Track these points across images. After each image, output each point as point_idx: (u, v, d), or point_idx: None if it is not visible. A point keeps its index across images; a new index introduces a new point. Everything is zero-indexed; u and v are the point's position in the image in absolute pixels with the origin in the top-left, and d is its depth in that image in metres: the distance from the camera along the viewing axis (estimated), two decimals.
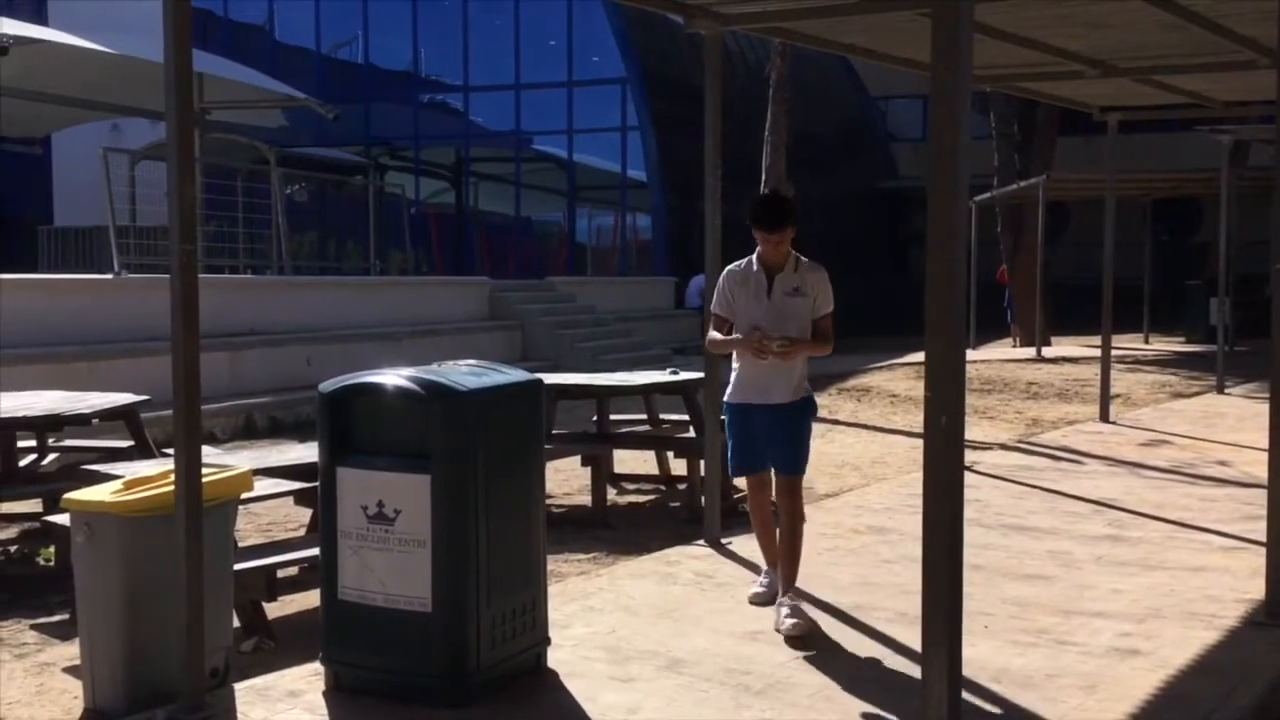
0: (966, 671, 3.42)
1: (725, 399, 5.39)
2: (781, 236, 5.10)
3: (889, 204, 32.51)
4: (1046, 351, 18.36)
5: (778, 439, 5.19)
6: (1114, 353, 12.64)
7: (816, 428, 11.93)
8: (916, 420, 12.41)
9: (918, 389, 14.52)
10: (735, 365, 5.30)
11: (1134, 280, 19.56)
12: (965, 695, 3.52)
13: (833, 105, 30.08)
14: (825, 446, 10.85)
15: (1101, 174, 13.31)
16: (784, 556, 5.25)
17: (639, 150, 24.94)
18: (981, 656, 4.56)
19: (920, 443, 9.26)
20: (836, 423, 12.52)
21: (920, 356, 16.10)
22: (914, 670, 4.45)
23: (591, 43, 24.68)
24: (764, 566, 5.58)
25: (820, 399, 14.19)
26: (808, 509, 7.84)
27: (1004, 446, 10.41)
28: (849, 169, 30.29)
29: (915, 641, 4.72)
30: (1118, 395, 13.24)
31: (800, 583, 5.87)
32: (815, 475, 9.33)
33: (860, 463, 9.95)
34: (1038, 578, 5.96)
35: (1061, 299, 20.88)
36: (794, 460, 5.22)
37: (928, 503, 2.73)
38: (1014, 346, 20.61)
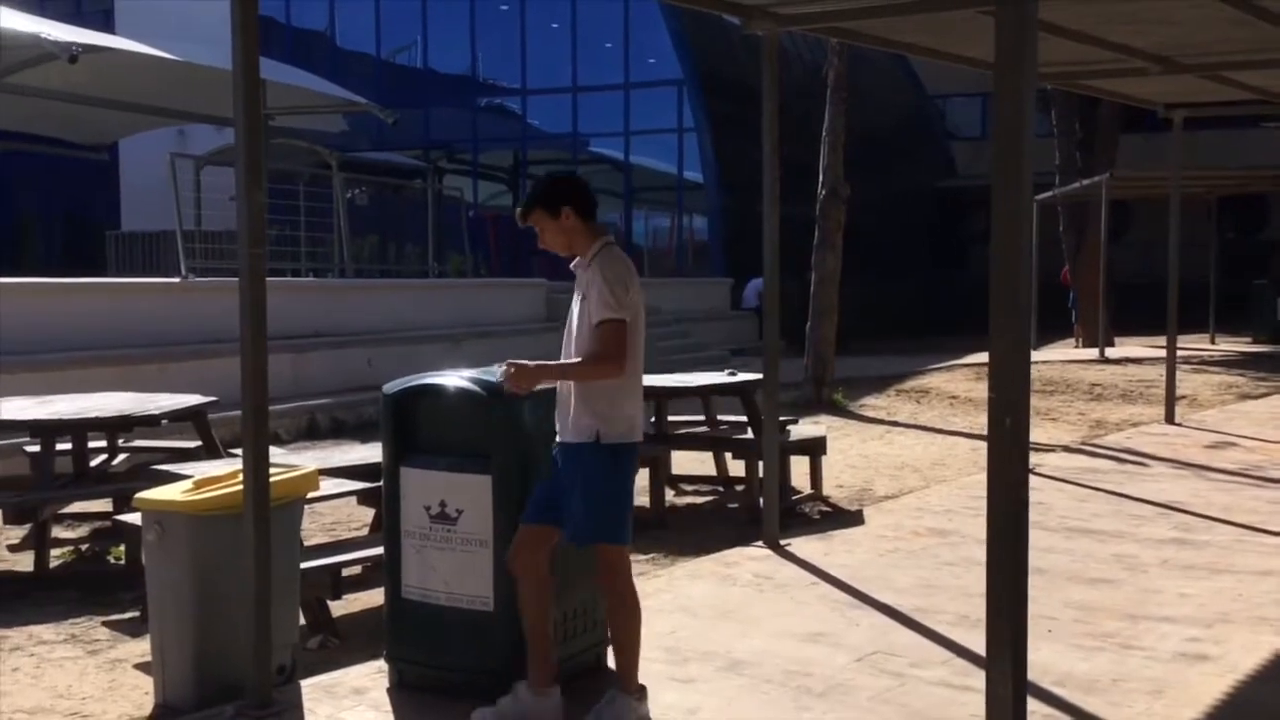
0: (1030, 675, 3.39)
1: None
2: (539, 227, 4.09)
3: (947, 203, 32.21)
4: (1110, 352, 18.08)
5: (569, 490, 3.96)
6: (1179, 353, 12.44)
7: (875, 429, 12.01)
8: (977, 422, 12.28)
9: (977, 390, 14.37)
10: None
11: (1199, 279, 19.21)
12: (1029, 700, 3.50)
13: (890, 104, 29.87)
14: (885, 449, 10.79)
15: (1166, 172, 13.09)
16: (614, 645, 4.15)
17: (695, 152, 24.93)
18: (1045, 660, 4.52)
19: (981, 444, 9.19)
20: (895, 424, 12.43)
21: (980, 358, 16.01)
22: (976, 674, 4.42)
23: (648, 44, 24.71)
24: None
25: (879, 400, 14.29)
26: (868, 510, 7.84)
27: (1067, 449, 10.28)
28: (907, 168, 30.05)
29: (977, 645, 4.68)
30: (1183, 396, 13.02)
31: (861, 584, 5.80)
32: (875, 476, 9.29)
33: (920, 464, 9.88)
34: (1102, 581, 5.89)
35: (1124, 299, 20.56)
36: (580, 523, 3.91)
37: (992, 506, 2.71)
38: (1076, 347, 20.33)
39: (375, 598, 4.53)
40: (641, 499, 8.06)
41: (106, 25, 21.83)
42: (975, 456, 9.92)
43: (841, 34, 7.37)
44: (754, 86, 7.19)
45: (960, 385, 15.01)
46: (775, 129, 6.50)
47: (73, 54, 12.82)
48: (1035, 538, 2.81)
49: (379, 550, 4.44)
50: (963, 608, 5.33)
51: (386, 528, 4.44)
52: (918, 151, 31.55)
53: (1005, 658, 2.69)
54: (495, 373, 4.08)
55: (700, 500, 8.65)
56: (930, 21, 6.79)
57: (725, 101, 24.11)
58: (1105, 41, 7.35)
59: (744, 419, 8.45)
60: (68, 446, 6.83)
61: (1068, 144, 20.42)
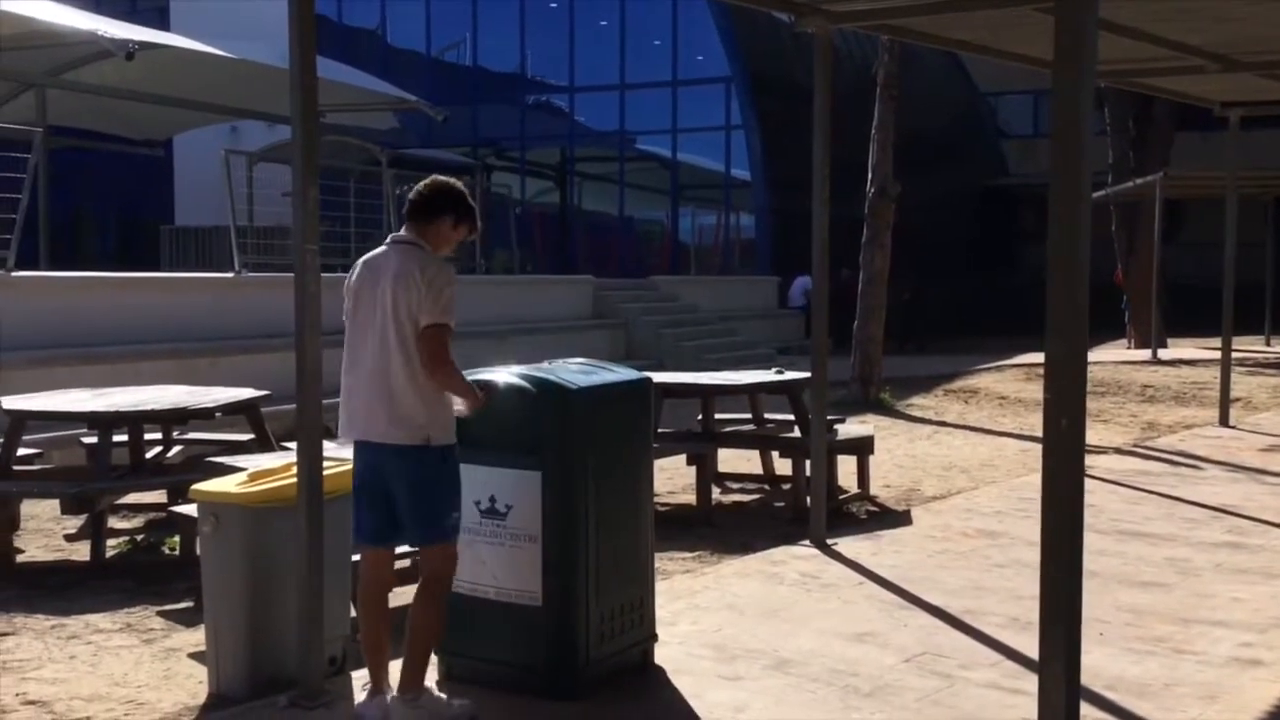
0: (1081, 679, 3.37)
1: (450, 439, 4.08)
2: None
3: (998, 202, 31.92)
4: (1163, 353, 17.85)
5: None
6: (1234, 355, 12.25)
7: (923, 429, 11.95)
8: (1026, 422, 12.17)
9: (1027, 390, 14.24)
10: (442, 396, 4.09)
11: (1254, 281, 18.89)
12: (1080, 703, 3.47)
13: (941, 102, 29.64)
14: (933, 449, 10.72)
15: (1221, 171, 12.89)
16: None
17: (743, 149, 24.88)
18: (1096, 664, 4.48)
19: (1031, 445, 9.13)
20: (943, 424, 12.35)
21: (1030, 358, 15.84)
22: (1026, 676, 4.39)
23: (696, 42, 24.70)
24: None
25: (927, 400, 14.21)
26: (916, 511, 7.79)
27: (1119, 450, 10.16)
28: (958, 167, 29.81)
29: (1027, 647, 4.66)
30: (1238, 399, 12.83)
31: (909, 585, 5.81)
32: (923, 476, 9.23)
33: (968, 465, 9.80)
34: (1154, 585, 5.82)
35: (1178, 300, 20.29)
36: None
37: (1046, 507, 2.69)
38: (1129, 348, 20.08)
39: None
40: (688, 496, 8.08)
41: (161, 23, 22.13)
42: (1025, 458, 9.83)
43: (894, 31, 7.33)
44: (802, 84, 7.17)
45: (1010, 386, 14.88)
46: (827, 127, 6.48)
47: (129, 51, 13.00)
48: (1087, 540, 2.79)
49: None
50: (1013, 610, 5.30)
51: None
52: (968, 150, 31.29)
53: (1059, 661, 2.66)
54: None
55: (746, 498, 8.64)
56: (984, 19, 6.74)
57: (773, 99, 24.04)
58: (1162, 39, 7.26)
59: (790, 418, 8.43)
60: (124, 438, 6.93)
61: (1121, 142, 20.16)
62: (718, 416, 8.63)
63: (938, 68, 28.82)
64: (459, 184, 4.21)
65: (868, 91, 14.96)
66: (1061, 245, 2.54)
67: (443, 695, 4.14)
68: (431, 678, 4.42)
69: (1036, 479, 9.77)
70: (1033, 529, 6.93)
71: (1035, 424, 12.18)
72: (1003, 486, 8.59)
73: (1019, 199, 30.69)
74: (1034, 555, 6.11)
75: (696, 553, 6.77)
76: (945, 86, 30.12)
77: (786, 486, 8.36)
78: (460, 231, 4.18)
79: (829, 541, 6.66)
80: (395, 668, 4.14)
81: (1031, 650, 4.65)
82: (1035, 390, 14.49)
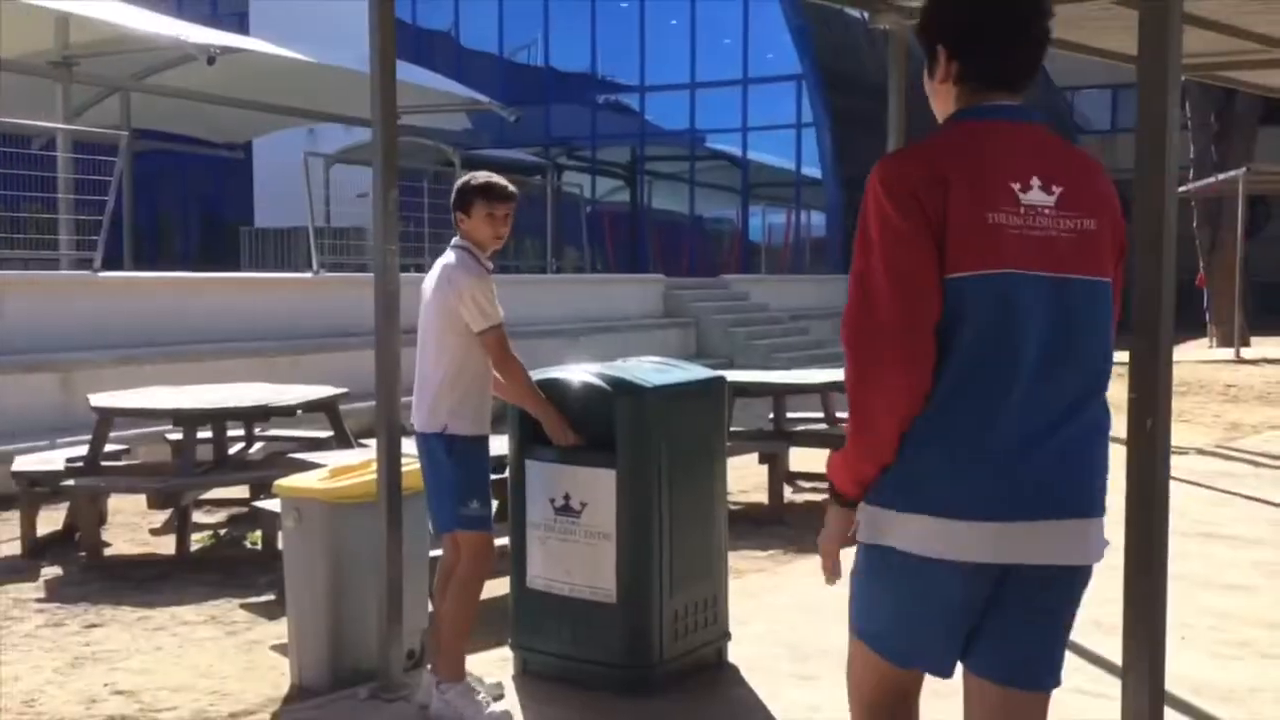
0: (1165, 684, 3.32)
1: (479, 430, 4.16)
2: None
3: None
4: (1245, 352, 17.46)
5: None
6: None
7: None
8: None
9: None
10: (465, 388, 4.14)
11: None
12: (1165, 708, 3.41)
13: None
14: None
15: None
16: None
17: (813, 147, 24.74)
18: (1180, 669, 4.39)
19: (1112, 447, 8.87)
20: None
21: None
22: (1107, 680, 4.32)
23: (767, 40, 24.61)
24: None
25: None
26: None
27: (1201, 451, 9.95)
28: None
29: (1107, 650, 4.58)
30: None
31: None
32: None
33: None
34: (1239, 588, 5.70)
35: (1261, 297, 19.83)
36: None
37: (1130, 509, 2.65)
38: (1211, 347, 19.66)
39: (500, 586, 4.61)
40: (760, 495, 8.07)
41: (241, 27, 22.57)
42: None
43: None
44: (873, 80, 7.13)
45: None
46: (903, 125, 6.42)
47: (211, 55, 13.29)
48: (1170, 542, 2.74)
49: (504, 540, 4.52)
50: (1094, 613, 5.16)
51: (512, 519, 4.53)
52: None
53: (1143, 666, 2.62)
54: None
55: (818, 497, 8.60)
56: (1062, 13, 6.63)
57: (844, 96, 23.88)
58: (1247, 32, 7.09)
59: None
60: (208, 435, 7.08)
61: (1203, 137, 19.75)
62: (789, 415, 8.60)
63: None
64: (483, 174, 4.32)
65: None
66: (1146, 242, 2.51)
67: (480, 693, 4.10)
68: (507, 672, 4.47)
69: (1117, 480, 9.61)
70: (1114, 532, 6.85)
71: (1116, 425, 11.99)
72: None
73: None
74: (1116, 558, 6.03)
75: (769, 552, 6.76)
76: None
77: None
78: (499, 211, 4.21)
79: None
80: (477, 659, 4.20)
81: (1113, 654, 4.58)
82: (1115, 390, 14.24)
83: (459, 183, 4.28)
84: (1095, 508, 2.25)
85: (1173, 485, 2.63)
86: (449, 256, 4.22)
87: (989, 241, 2.10)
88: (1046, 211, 2.14)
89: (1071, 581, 2.30)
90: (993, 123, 2.22)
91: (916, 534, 2.17)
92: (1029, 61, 2.30)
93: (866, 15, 6.51)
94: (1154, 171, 2.52)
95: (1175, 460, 9.41)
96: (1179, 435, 10.84)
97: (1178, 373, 14.89)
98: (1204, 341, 20.26)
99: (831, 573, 2.38)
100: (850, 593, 2.40)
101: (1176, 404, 13.39)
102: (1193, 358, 17.35)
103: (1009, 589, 2.25)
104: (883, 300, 2.14)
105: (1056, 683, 2.43)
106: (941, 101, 2.33)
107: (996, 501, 2.15)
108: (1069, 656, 4.76)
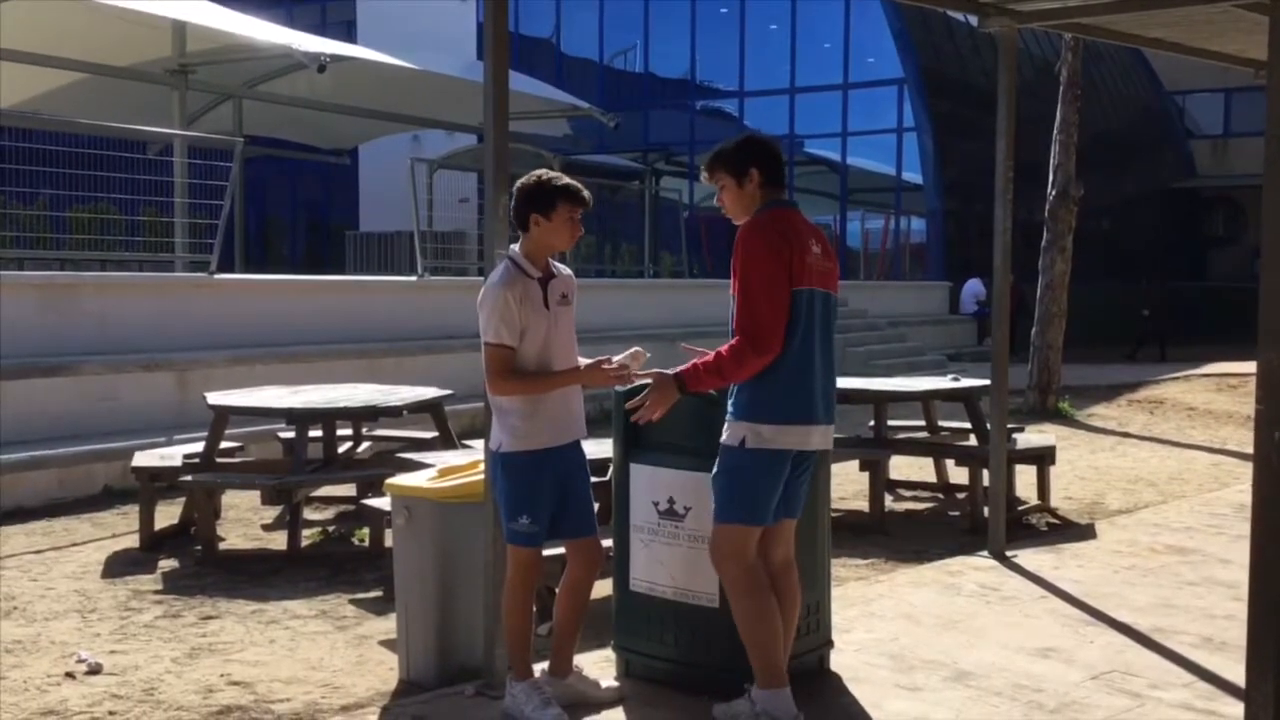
0: None
1: (528, 445, 4.04)
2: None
3: (1185, 204, 30.56)
4: None
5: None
6: None
7: (1105, 440, 11.55)
8: (1218, 435, 11.64)
9: (1217, 401, 13.61)
10: (532, 402, 4.04)
11: None
12: None
13: (1125, 101, 28.56)
14: (1117, 461, 10.35)
15: None
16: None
17: (914, 152, 24.46)
18: None
19: (1223, 459, 8.68)
20: (1128, 435, 11.90)
21: (1221, 367, 15.06)
22: (1221, 698, 4.22)
23: (868, 44, 24.39)
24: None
25: (1109, 410, 13.70)
26: (1100, 524, 7.54)
27: None
28: (1143, 168, 28.67)
29: (1223, 669, 4.48)
30: None
31: (1094, 601, 5.66)
32: (1106, 489, 8.93)
33: (1155, 479, 9.43)
34: None
35: None
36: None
37: (1257, 522, 2.59)
38: None
39: (604, 588, 4.65)
40: (860, 503, 8.01)
41: (349, 35, 23.03)
42: (1216, 472, 9.40)
43: (1084, 30, 7.11)
44: (976, 84, 7.06)
45: (1199, 396, 14.24)
46: (1011, 129, 6.35)
47: (322, 64, 13.61)
48: None
49: (608, 543, 4.55)
50: (1206, 629, 5.09)
51: (615, 521, 4.56)
52: (1155, 150, 30.05)
53: (1267, 685, 2.56)
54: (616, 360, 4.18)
55: (920, 506, 8.50)
56: (1178, 16, 6.49)
57: (947, 100, 23.58)
58: None
59: (964, 425, 8.26)
60: (318, 433, 7.24)
61: None
62: (889, 423, 8.51)
63: (1122, 66, 27.80)
64: (536, 175, 4.16)
65: (1046, 91, 14.54)
66: (1276, 249, 2.45)
67: (538, 701, 4.04)
68: (610, 673, 4.51)
69: (1230, 494, 9.29)
70: (1227, 546, 6.65)
71: (1227, 437, 11.65)
72: (1193, 501, 8.24)
73: (1207, 201, 29.27)
74: (1228, 573, 5.88)
75: (870, 560, 6.71)
76: (1130, 85, 29.01)
77: (961, 495, 8.20)
78: (578, 214, 4.11)
79: (1008, 553, 6.51)
80: (582, 659, 4.24)
81: (1226, 671, 4.47)
82: (1227, 401, 13.83)
83: (528, 184, 4.09)
84: (833, 417, 4.07)
85: None
86: (497, 269, 4.13)
87: (806, 273, 3.88)
88: (818, 257, 3.96)
89: (816, 458, 4.12)
90: (788, 210, 4.03)
91: (770, 433, 3.84)
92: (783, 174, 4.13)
93: (975, 20, 6.43)
94: None
95: None
96: None
97: None
98: None
99: (649, 414, 3.94)
100: (717, 495, 3.95)
101: None
102: None
103: (796, 463, 3.96)
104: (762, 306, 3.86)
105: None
106: (749, 199, 4.02)
107: (809, 413, 3.92)
108: (1175, 671, 4.67)
